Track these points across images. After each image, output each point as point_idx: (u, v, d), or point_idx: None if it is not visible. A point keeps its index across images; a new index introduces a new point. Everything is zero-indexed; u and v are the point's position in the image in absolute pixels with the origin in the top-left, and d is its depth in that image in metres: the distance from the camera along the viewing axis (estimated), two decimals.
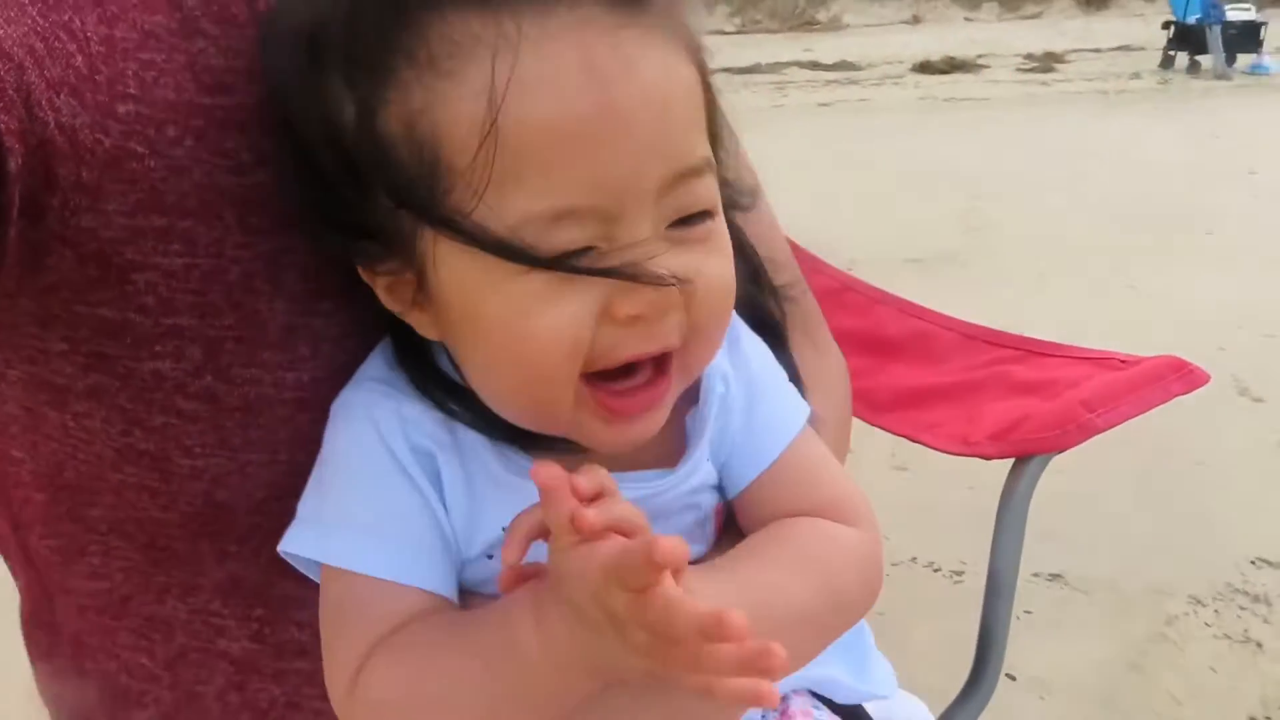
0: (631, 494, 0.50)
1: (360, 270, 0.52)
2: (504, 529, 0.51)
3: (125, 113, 0.50)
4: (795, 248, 1.09)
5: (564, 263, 0.46)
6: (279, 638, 0.63)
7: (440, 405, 0.53)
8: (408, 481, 0.51)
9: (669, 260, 0.47)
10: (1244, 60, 8.98)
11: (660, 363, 0.50)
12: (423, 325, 0.52)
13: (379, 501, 0.51)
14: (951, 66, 9.23)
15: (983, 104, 7.66)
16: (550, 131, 0.44)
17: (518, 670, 0.46)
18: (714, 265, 0.50)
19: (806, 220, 0.76)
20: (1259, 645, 1.86)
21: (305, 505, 0.53)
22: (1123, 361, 0.85)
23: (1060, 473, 0.87)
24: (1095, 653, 1.83)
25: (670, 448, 0.56)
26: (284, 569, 0.54)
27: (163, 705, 0.65)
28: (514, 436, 0.53)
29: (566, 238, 0.46)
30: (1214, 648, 1.85)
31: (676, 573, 0.39)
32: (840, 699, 0.65)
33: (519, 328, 0.47)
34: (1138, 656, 1.83)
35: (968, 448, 0.84)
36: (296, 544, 0.52)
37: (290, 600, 0.60)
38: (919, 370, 0.97)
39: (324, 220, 0.52)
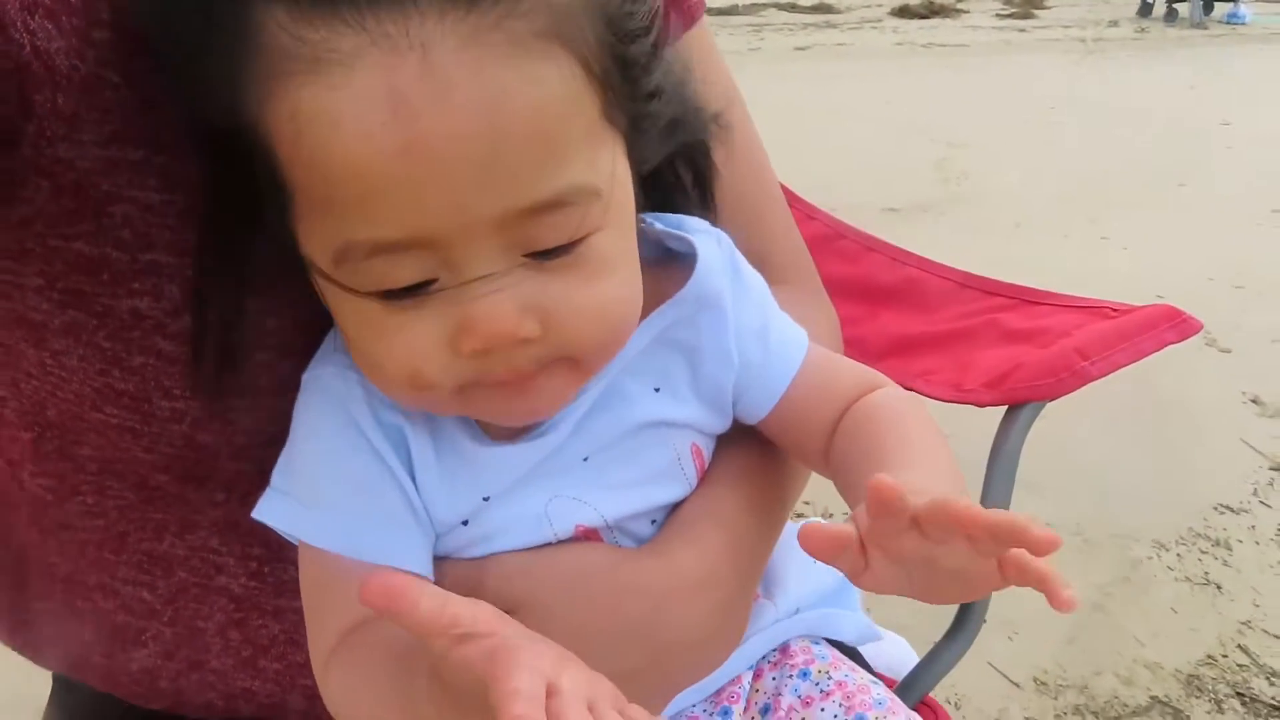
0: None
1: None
2: (485, 499, 0.52)
3: (100, 39, 0.48)
4: (789, 194, 1.08)
5: (395, 292, 0.44)
6: (278, 576, 0.63)
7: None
8: (376, 458, 0.51)
9: (526, 290, 0.44)
10: (1221, 9, 8.99)
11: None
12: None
13: (349, 479, 0.51)
14: (930, 11, 9.16)
15: (961, 50, 7.62)
16: (354, 167, 0.40)
17: None
18: (586, 295, 0.46)
19: (783, 167, 0.76)
20: (1218, 587, 1.92)
21: (278, 475, 0.53)
22: (1115, 310, 0.86)
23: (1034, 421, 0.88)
24: None
25: None
26: None
27: (163, 641, 0.66)
28: None
29: (393, 272, 0.43)
30: (1176, 590, 1.91)
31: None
32: (846, 639, 0.67)
33: (369, 345, 0.46)
34: (1102, 598, 1.88)
35: (961, 395, 0.85)
36: (269, 514, 0.52)
37: (288, 542, 0.60)
38: (911, 318, 0.98)
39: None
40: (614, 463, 0.54)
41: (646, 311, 0.52)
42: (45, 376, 0.57)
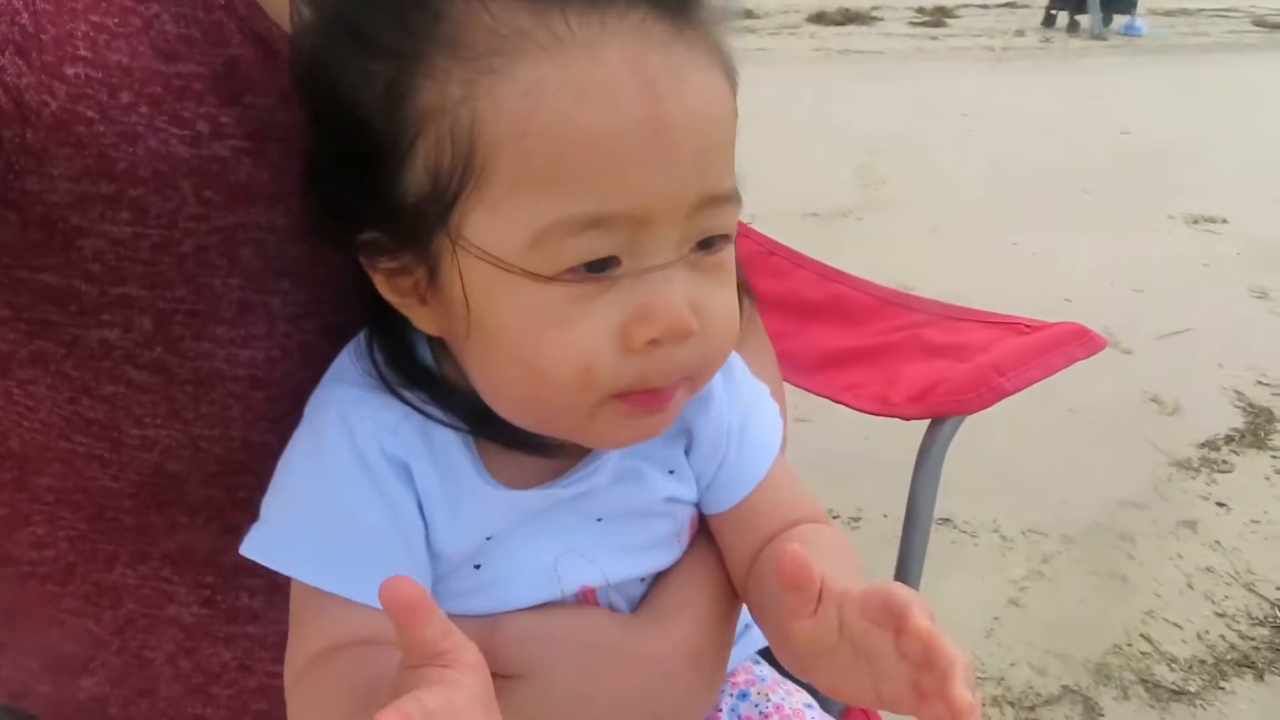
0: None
1: (362, 260, 0.50)
2: (487, 538, 0.52)
3: (74, 75, 0.49)
4: None
5: (586, 269, 0.44)
6: (230, 604, 0.63)
7: (413, 405, 0.51)
8: (376, 493, 0.50)
9: (690, 285, 0.46)
10: (1119, 20, 9.36)
11: None
12: (422, 319, 0.51)
13: (342, 513, 0.50)
14: (846, 18, 9.32)
15: (876, 57, 7.79)
16: (596, 136, 0.43)
17: None
18: (724, 297, 0.49)
19: None
20: (1124, 579, 2.02)
21: (269, 506, 0.52)
22: (1028, 326, 0.91)
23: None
24: (980, 591, 1.96)
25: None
26: (236, 537, 0.53)
27: (110, 670, 0.65)
28: (497, 434, 0.52)
29: (593, 247, 0.44)
30: (1085, 583, 2.01)
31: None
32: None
33: (533, 342, 0.45)
34: (1017, 593, 1.97)
35: (887, 408, 0.89)
36: (257, 550, 0.51)
37: (242, 568, 0.59)
38: (838, 332, 1.02)
39: (329, 208, 0.50)
40: (625, 529, 0.55)
41: None
42: (10, 406, 0.56)
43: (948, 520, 2.15)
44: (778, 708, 0.64)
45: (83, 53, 0.49)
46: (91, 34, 0.49)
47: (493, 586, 0.53)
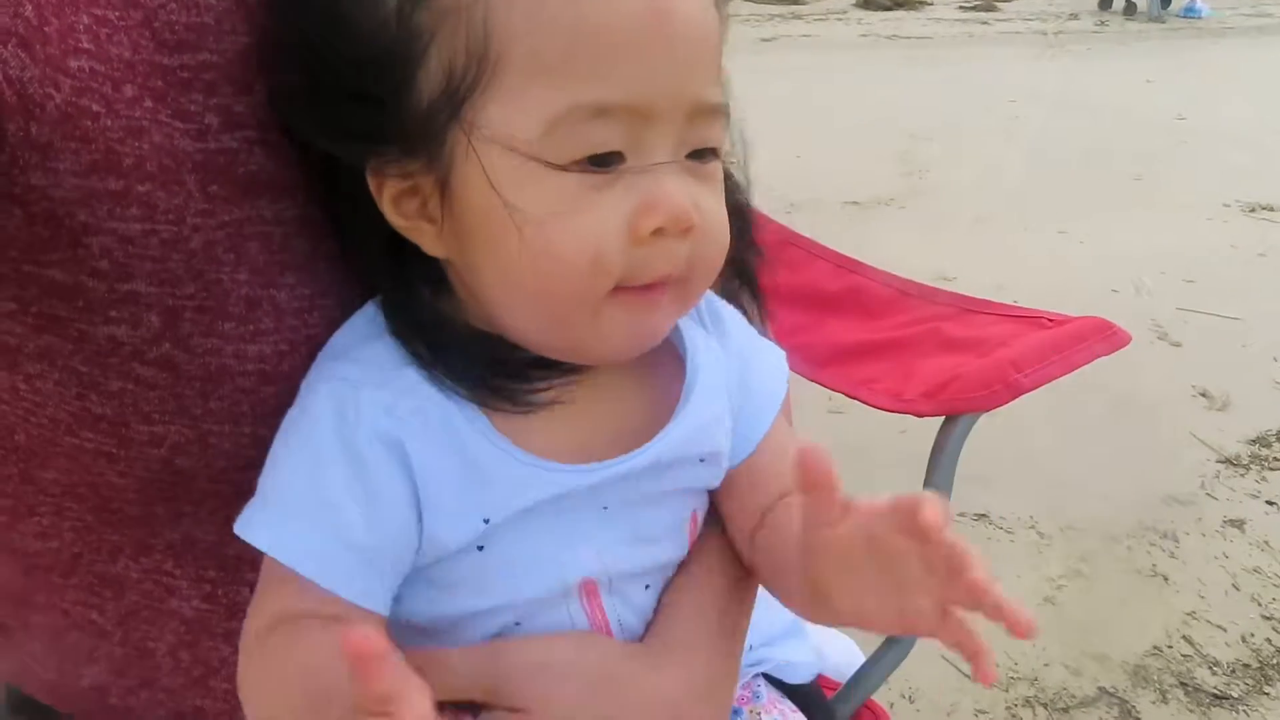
0: (624, 468, 0.52)
1: (369, 178, 0.51)
2: (485, 521, 0.51)
3: (78, 68, 0.48)
4: None
5: (596, 159, 0.47)
6: (231, 598, 0.63)
7: (421, 361, 0.52)
8: (358, 483, 0.50)
9: (688, 183, 0.49)
10: (1178, 3, 9.11)
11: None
12: (430, 241, 0.52)
13: (321, 499, 0.50)
14: (895, 3, 9.19)
15: (924, 42, 7.67)
16: (601, 28, 0.46)
17: None
18: (716, 204, 0.51)
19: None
20: (1165, 579, 1.97)
21: (262, 483, 0.52)
22: (1050, 320, 0.88)
23: (987, 417, 0.90)
24: (1014, 588, 1.92)
25: (655, 422, 0.55)
26: None
27: (113, 660, 0.66)
28: (502, 396, 0.52)
29: (600, 138, 0.47)
30: (1125, 582, 1.96)
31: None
32: (794, 679, 0.69)
33: (546, 230, 0.47)
34: (1053, 591, 1.93)
35: (901, 404, 0.87)
36: (243, 526, 0.51)
37: (244, 560, 0.60)
38: (855, 325, 1.00)
39: (337, 127, 0.50)
40: (631, 518, 0.55)
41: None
42: (17, 401, 0.56)
43: (984, 516, 2.11)
44: None
45: (85, 45, 0.48)
46: (94, 26, 0.49)
47: (495, 571, 0.52)
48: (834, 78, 6.03)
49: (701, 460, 0.56)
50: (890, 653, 0.87)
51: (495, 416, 0.52)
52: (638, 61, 0.46)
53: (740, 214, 0.62)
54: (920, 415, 0.85)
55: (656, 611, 0.57)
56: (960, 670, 1.73)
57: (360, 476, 0.49)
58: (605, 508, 0.54)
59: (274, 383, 0.55)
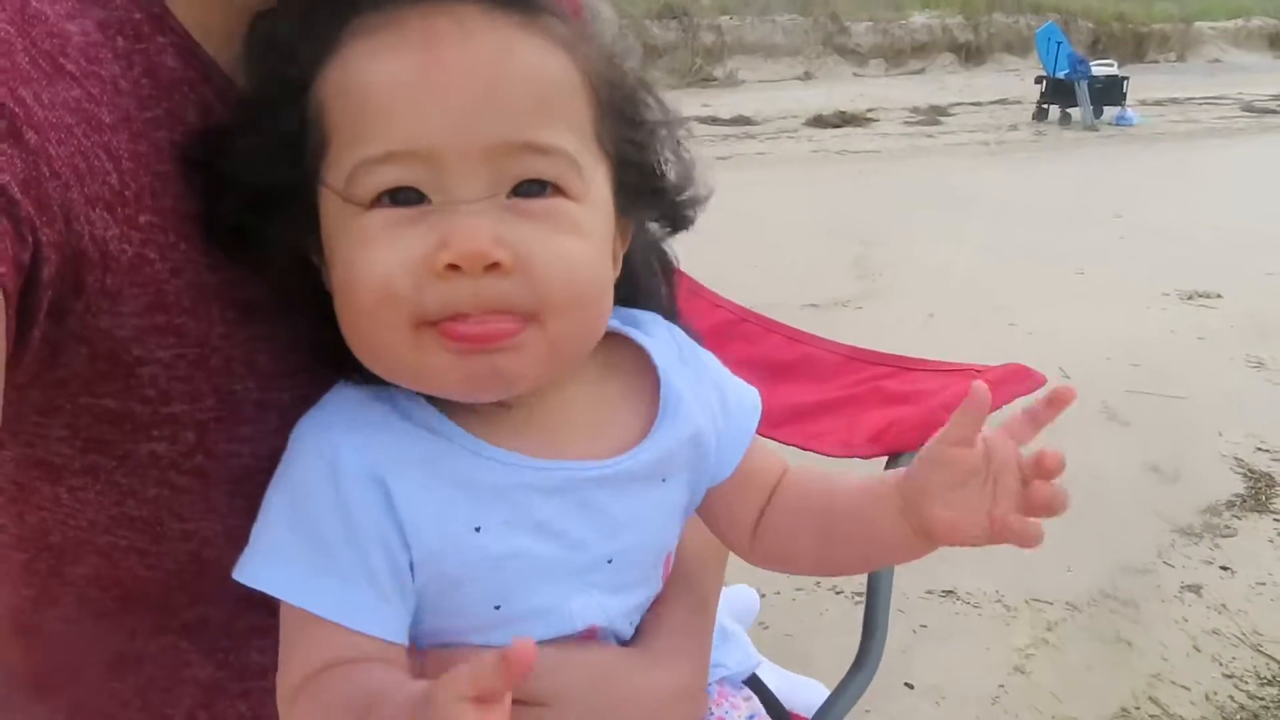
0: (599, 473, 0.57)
1: (315, 261, 0.57)
2: (476, 529, 0.55)
3: (145, 222, 0.54)
4: (696, 286, 1.21)
5: (394, 196, 0.51)
6: (242, 662, 0.66)
7: (380, 385, 0.55)
8: (352, 518, 0.53)
9: (503, 228, 0.50)
10: (1110, 112, 9.64)
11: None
12: (328, 283, 0.56)
13: (319, 540, 0.53)
14: (843, 120, 9.62)
15: (873, 155, 8.03)
16: (379, 86, 0.51)
17: None
18: (557, 244, 0.51)
19: (707, 269, 0.86)
20: (1129, 644, 2.02)
21: (257, 533, 0.55)
22: (978, 371, 0.98)
23: None
24: (984, 659, 1.97)
25: (628, 437, 0.60)
26: (251, 604, 0.55)
27: None
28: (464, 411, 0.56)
29: (391, 177, 0.51)
30: (1090, 649, 2.01)
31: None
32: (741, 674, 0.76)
33: (348, 266, 0.52)
34: (1022, 660, 1.97)
35: (849, 450, 0.96)
36: (248, 574, 0.54)
37: (254, 630, 0.64)
38: (807, 388, 1.09)
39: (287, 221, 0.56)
40: (627, 567, 0.61)
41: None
42: (57, 508, 0.60)
43: (951, 592, 2.17)
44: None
45: (148, 201, 0.55)
46: (154, 184, 0.55)
47: (512, 624, 0.57)
48: (788, 191, 6.28)
49: (664, 480, 0.62)
50: (850, 685, 0.93)
51: (464, 420, 0.56)
52: (410, 113, 0.50)
53: (666, 275, 0.70)
54: (865, 458, 0.93)
55: (645, 622, 0.64)
56: (931, 703, 1.77)
57: (349, 518, 0.53)
58: (609, 561, 0.59)
59: None
